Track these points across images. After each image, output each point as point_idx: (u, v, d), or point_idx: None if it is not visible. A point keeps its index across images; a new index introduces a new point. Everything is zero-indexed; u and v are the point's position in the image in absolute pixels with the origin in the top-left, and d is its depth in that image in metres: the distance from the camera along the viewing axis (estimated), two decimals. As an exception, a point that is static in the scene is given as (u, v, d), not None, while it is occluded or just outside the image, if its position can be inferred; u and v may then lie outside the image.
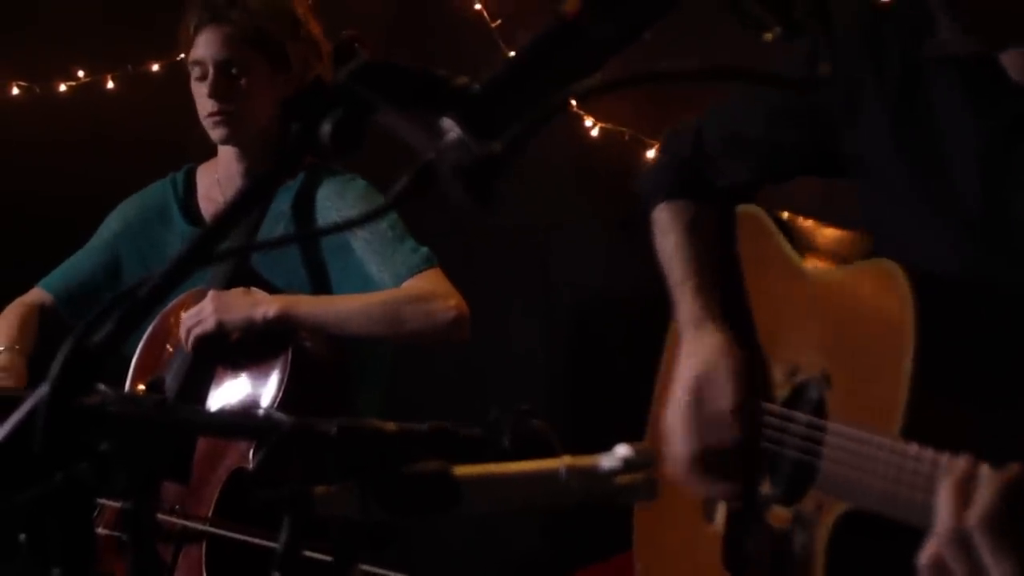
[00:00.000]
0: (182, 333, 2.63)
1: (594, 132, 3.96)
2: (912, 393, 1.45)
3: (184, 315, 2.65)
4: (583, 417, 2.55)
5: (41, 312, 2.92)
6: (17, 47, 4.40)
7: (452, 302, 2.62)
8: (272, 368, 2.59)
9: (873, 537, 1.40)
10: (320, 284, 2.72)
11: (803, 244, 1.77)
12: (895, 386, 1.46)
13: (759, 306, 1.79)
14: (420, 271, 2.64)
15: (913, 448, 1.40)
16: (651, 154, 3.90)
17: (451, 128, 1.02)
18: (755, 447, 1.68)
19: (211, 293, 2.62)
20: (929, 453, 1.38)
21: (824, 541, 1.54)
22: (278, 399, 2.55)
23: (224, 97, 2.72)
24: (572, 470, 1.15)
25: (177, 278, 1.00)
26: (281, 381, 2.57)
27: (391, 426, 1.13)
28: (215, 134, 2.77)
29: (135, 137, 4.15)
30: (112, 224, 2.99)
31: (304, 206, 2.76)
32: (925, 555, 1.30)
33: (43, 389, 0.97)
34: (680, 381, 1.75)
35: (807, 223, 1.79)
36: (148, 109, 4.16)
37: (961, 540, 1.25)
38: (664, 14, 1.01)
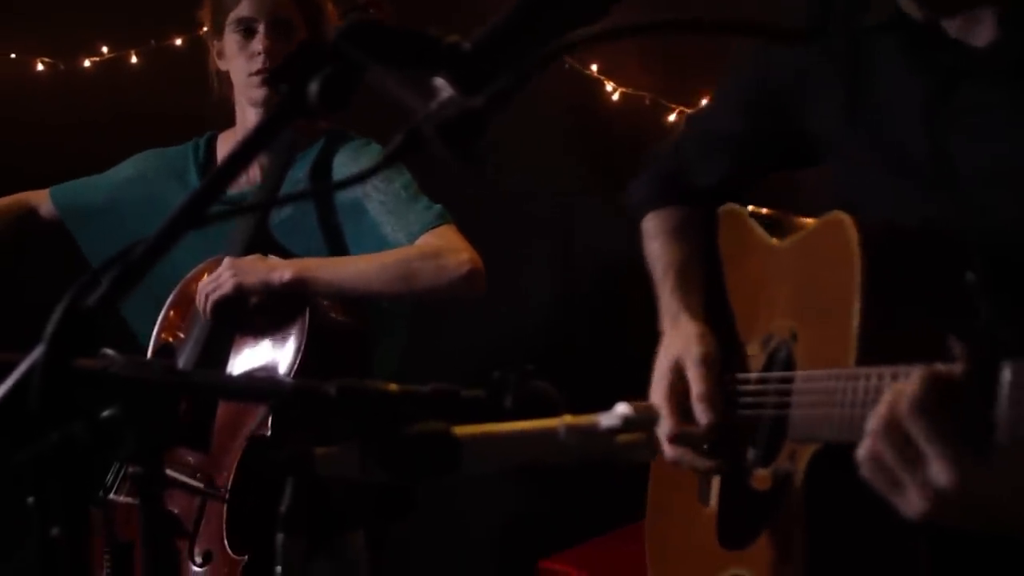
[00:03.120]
0: (199, 300, 2.64)
1: (615, 96, 3.95)
2: (862, 326, 1.49)
3: (201, 282, 2.66)
4: (598, 380, 2.55)
5: (31, 213, 3.04)
6: (41, 24, 4.42)
7: (465, 256, 2.61)
8: (290, 333, 2.60)
9: (845, 471, 1.40)
10: (337, 248, 2.73)
11: (777, 229, 1.84)
12: (847, 322, 1.51)
13: (739, 293, 1.86)
14: (433, 228, 2.65)
15: (865, 369, 1.43)
16: (672, 118, 3.90)
17: (444, 87, 1.01)
18: (729, 425, 1.75)
19: (227, 259, 2.63)
20: (882, 369, 1.40)
21: (800, 486, 1.56)
22: (296, 363, 2.56)
23: (275, 56, 2.74)
24: (571, 428, 1.14)
25: (171, 238, 1.00)
26: (299, 346, 2.58)
27: (393, 387, 1.13)
28: (259, 93, 2.78)
29: (159, 111, 4.16)
30: (129, 169, 3.05)
31: (322, 173, 2.77)
32: (861, 449, 1.28)
33: (39, 349, 0.98)
34: (658, 370, 1.84)
35: (783, 214, 1.87)
36: (172, 83, 4.18)
37: (893, 428, 1.24)
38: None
